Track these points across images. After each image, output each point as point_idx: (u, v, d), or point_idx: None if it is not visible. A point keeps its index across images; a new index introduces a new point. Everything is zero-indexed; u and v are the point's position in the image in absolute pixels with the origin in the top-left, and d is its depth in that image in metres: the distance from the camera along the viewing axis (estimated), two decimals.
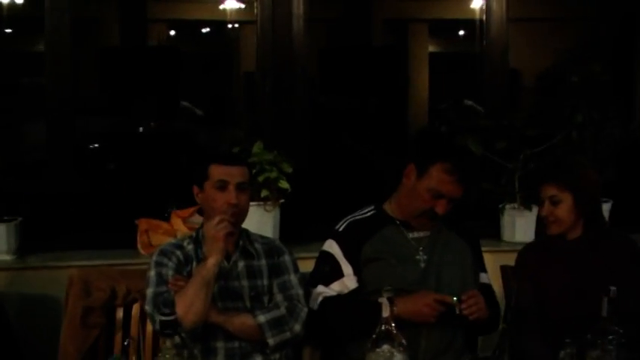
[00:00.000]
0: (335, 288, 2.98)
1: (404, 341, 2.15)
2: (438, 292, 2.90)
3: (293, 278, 2.96)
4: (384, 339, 2.13)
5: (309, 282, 3.04)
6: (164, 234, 4.03)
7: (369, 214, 3.13)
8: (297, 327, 2.83)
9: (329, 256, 3.04)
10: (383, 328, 2.15)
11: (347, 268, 3.00)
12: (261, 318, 2.80)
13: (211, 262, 2.74)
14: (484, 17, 4.93)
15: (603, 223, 3.25)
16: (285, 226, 4.22)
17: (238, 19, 8.67)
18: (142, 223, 4.13)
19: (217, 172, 2.90)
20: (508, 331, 2.63)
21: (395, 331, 2.13)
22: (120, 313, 3.16)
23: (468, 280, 3.05)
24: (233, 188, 2.86)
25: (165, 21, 9.73)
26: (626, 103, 4.89)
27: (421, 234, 3.07)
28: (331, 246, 3.06)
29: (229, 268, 2.90)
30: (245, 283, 2.91)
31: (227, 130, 7.42)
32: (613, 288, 2.17)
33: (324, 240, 3.15)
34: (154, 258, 2.91)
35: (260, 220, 4.06)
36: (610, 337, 2.11)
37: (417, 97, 8.85)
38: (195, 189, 2.99)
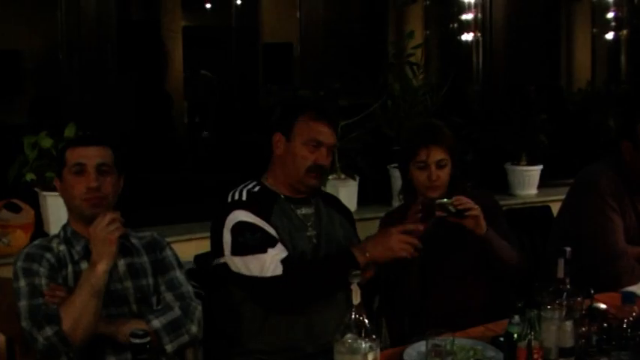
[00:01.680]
0: (278, 251, 2.71)
1: (372, 329, 2.00)
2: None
3: (179, 275, 2.67)
4: (354, 327, 1.98)
5: (245, 251, 2.71)
6: None
7: (257, 189, 2.90)
8: (194, 328, 2.55)
9: (251, 225, 2.74)
10: (353, 316, 1.99)
11: (273, 231, 2.76)
12: (156, 323, 2.49)
13: (102, 268, 2.41)
14: None
15: (465, 183, 3.25)
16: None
17: None
18: None
19: (73, 155, 2.57)
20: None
21: (364, 319, 1.99)
22: None
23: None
24: (93, 170, 2.54)
25: None
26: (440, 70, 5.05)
27: (307, 210, 2.94)
28: (246, 215, 2.75)
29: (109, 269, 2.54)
30: (129, 284, 2.60)
31: None
32: (568, 249, 2.21)
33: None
34: (20, 264, 2.50)
35: None
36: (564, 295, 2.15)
37: (174, 70, 8.58)
38: (57, 182, 2.64)
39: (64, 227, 2.65)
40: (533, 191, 5.09)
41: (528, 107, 5.17)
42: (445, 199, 2.79)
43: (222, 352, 2.87)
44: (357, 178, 4.44)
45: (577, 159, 5.27)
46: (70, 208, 2.61)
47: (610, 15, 7.71)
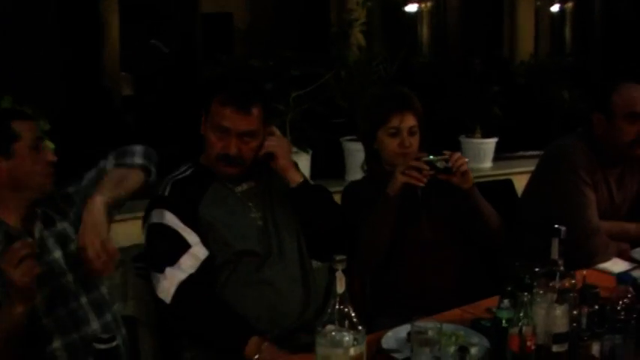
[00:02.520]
0: (185, 264, 2.48)
1: (358, 320, 1.81)
2: (282, 252, 2.63)
3: None
4: (337, 318, 1.78)
5: (150, 266, 2.52)
6: None
7: (189, 172, 2.66)
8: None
9: (164, 229, 2.52)
10: (337, 306, 1.79)
11: (190, 235, 2.52)
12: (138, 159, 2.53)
13: (19, 310, 2.08)
14: None
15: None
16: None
17: None
18: None
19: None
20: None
21: (349, 310, 1.80)
22: None
23: (292, 219, 2.73)
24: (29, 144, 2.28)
25: None
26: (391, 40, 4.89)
27: (246, 186, 2.71)
28: (162, 216, 2.53)
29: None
30: (58, 254, 2.35)
31: None
32: (563, 228, 2.06)
33: None
34: None
35: None
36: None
37: (110, 41, 8.30)
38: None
39: None
40: (489, 164, 4.98)
41: (479, 79, 5.07)
42: (432, 156, 2.65)
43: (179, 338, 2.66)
44: (310, 152, 4.24)
45: (531, 131, 5.20)
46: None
47: None
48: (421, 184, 2.70)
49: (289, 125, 4.13)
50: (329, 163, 4.50)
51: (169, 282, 2.44)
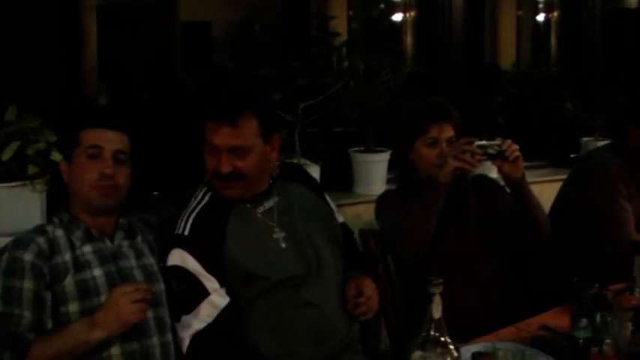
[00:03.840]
0: (203, 313, 2.33)
1: (453, 346, 1.72)
2: (321, 268, 2.51)
3: None
4: (432, 343, 1.69)
5: (169, 310, 2.38)
6: None
7: (206, 199, 2.51)
8: None
9: (182, 272, 2.37)
10: (432, 332, 1.69)
11: (210, 281, 2.35)
12: None
13: (98, 336, 2.08)
14: None
15: None
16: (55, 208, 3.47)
17: None
18: None
19: (90, 136, 2.29)
20: None
21: (445, 337, 1.70)
22: None
23: (332, 238, 2.63)
24: (109, 156, 2.27)
25: None
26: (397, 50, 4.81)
27: (269, 204, 2.57)
28: (182, 258, 2.37)
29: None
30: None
31: None
32: None
33: None
34: (4, 256, 2.17)
35: (26, 205, 3.29)
36: None
37: (89, 50, 8.09)
38: (62, 165, 2.34)
39: (58, 214, 2.33)
40: (494, 175, 4.91)
41: (481, 89, 5.03)
42: (484, 141, 2.62)
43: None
44: (320, 164, 4.14)
45: (532, 141, 5.15)
46: (76, 195, 2.30)
47: None
48: (473, 169, 2.66)
49: (298, 136, 4.04)
50: (337, 175, 4.40)
51: (185, 331, 2.33)
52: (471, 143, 2.67)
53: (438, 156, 2.81)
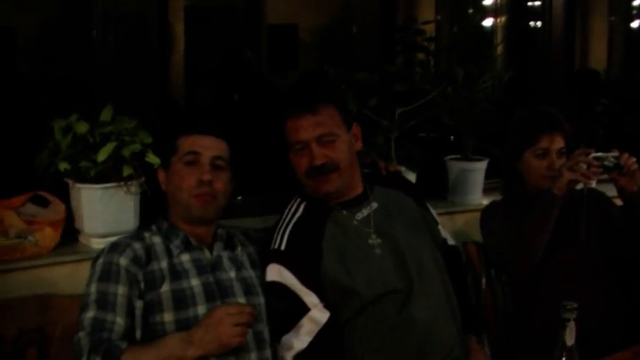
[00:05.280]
0: (303, 331, 2.27)
1: None
2: (423, 281, 2.41)
3: None
4: None
5: (269, 327, 2.35)
6: None
7: (300, 210, 2.48)
8: None
9: (281, 288, 2.34)
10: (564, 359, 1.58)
11: (309, 296, 2.32)
12: None
13: (192, 353, 2.02)
14: None
15: None
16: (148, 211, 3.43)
17: None
18: None
19: (187, 142, 2.31)
20: None
21: None
22: None
23: (434, 249, 2.59)
24: (207, 162, 2.27)
25: None
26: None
27: (367, 211, 2.50)
28: (280, 274, 2.34)
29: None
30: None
31: None
32: None
33: None
34: (99, 260, 2.18)
35: (120, 207, 3.24)
36: None
37: (176, 51, 8.16)
38: (160, 172, 2.40)
39: (157, 221, 2.36)
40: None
41: (581, 96, 4.83)
42: (600, 153, 2.53)
43: None
44: (417, 171, 4.02)
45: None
46: (175, 203, 2.33)
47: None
48: (589, 182, 2.59)
49: (394, 143, 3.94)
50: (432, 183, 4.28)
51: (287, 352, 2.28)
52: (587, 155, 2.59)
53: (548, 167, 2.78)
